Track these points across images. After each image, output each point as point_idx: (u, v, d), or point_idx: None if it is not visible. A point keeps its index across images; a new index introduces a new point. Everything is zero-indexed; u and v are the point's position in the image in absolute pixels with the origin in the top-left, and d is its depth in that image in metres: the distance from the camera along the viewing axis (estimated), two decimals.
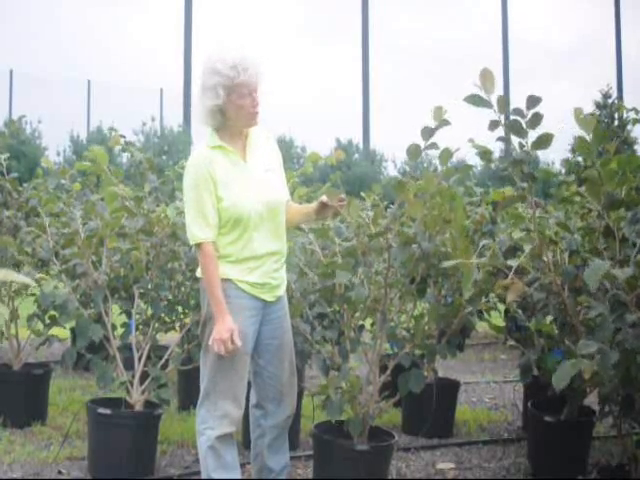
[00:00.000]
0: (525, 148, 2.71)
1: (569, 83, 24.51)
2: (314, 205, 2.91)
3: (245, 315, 2.73)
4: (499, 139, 2.72)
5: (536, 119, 2.64)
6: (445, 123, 2.82)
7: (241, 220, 2.69)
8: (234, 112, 2.70)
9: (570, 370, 2.35)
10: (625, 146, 12.50)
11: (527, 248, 3.10)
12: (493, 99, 2.62)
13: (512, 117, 2.66)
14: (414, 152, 2.88)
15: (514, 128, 2.65)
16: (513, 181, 2.83)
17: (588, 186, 2.88)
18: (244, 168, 2.76)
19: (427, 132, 2.83)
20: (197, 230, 2.67)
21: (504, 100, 2.62)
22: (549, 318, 3.50)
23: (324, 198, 2.85)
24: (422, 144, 2.89)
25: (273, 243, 2.78)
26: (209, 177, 2.67)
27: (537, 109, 2.65)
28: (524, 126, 2.66)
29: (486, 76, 2.56)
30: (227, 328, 2.63)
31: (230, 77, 2.63)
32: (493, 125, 2.64)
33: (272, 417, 2.92)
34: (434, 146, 2.87)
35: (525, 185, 2.74)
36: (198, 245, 2.69)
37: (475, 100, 2.60)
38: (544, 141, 2.73)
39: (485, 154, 2.95)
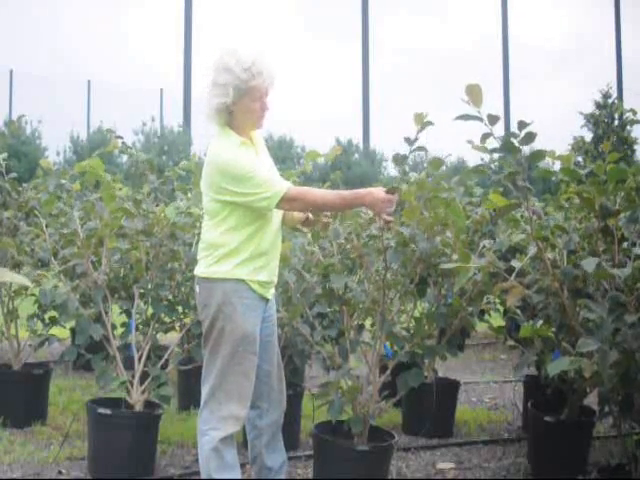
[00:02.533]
0: (519, 159, 2.73)
1: (569, 82, 24.51)
2: (301, 217, 2.95)
3: (254, 316, 2.75)
4: (492, 151, 2.74)
5: (529, 137, 2.68)
6: (427, 125, 2.87)
7: (265, 215, 2.71)
8: (242, 114, 2.71)
9: (567, 363, 2.36)
10: (625, 146, 12.49)
11: (528, 250, 3.11)
12: (483, 112, 2.66)
13: (505, 137, 2.70)
14: (400, 161, 2.93)
15: (507, 147, 2.69)
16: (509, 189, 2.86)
17: (583, 200, 2.92)
18: (262, 165, 2.78)
19: (410, 141, 2.91)
20: (276, 185, 2.64)
21: (494, 117, 2.65)
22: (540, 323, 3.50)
23: (310, 215, 2.92)
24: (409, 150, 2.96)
25: (277, 239, 2.84)
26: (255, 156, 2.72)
27: (529, 129, 2.69)
28: (516, 144, 2.70)
29: (473, 90, 2.59)
30: (377, 189, 2.63)
31: (243, 80, 2.63)
32: (484, 137, 2.68)
33: (266, 415, 2.94)
34: (421, 149, 2.92)
35: (520, 194, 2.76)
36: (286, 197, 2.63)
37: (466, 117, 2.64)
38: (537, 157, 2.79)
39: (480, 170, 3.01)
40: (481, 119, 2.63)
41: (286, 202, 2.65)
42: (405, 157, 2.93)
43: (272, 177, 2.69)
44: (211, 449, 2.74)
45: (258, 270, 2.74)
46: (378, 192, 2.63)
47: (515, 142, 2.69)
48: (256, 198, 2.63)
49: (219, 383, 2.74)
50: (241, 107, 2.69)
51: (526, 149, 2.74)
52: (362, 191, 2.65)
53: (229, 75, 2.63)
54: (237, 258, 2.71)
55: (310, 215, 2.93)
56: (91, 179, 3.56)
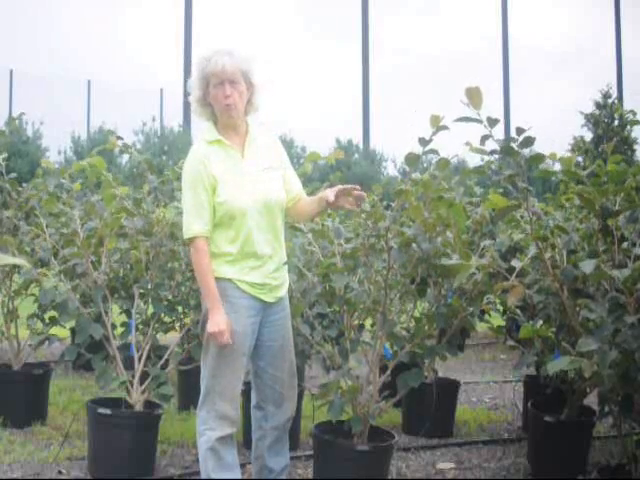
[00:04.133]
0: (518, 161, 2.74)
1: (569, 82, 24.50)
2: (334, 189, 2.73)
3: (244, 315, 2.73)
4: (492, 152, 2.75)
5: (527, 141, 2.70)
6: (442, 129, 2.86)
7: (236, 216, 2.69)
8: (212, 103, 2.76)
9: (566, 363, 2.36)
10: (625, 146, 12.48)
11: (529, 250, 3.11)
12: (483, 113, 2.67)
13: (504, 142, 2.71)
14: (413, 160, 2.92)
15: (506, 151, 2.70)
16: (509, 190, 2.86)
17: (583, 200, 2.93)
18: (241, 164, 2.77)
19: (424, 141, 2.90)
20: (194, 224, 2.68)
21: (494, 120, 2.67)
22: (540, 323, 3.51)
23: (355, 187, 2.72)
24: (420, 150, 2.94)
25: (272, 242, 2.79)
26: (206, 175, 2.68)
27: (528, 133, 2.71)
28: (516, 148, 2.71)
29: (472, 92, 2.61)
30: (224, 320, 2.66)
31: (201, 68, 2.73)
32: (484, 139, 2.69)
33: (272, 419, 2.91)
34: (433, 152, 2.91)
35: (520, 195, 2.77)
36: (191, 240, 2.70)
37: (466, 119, 2.66)
38: (536, 159, 2.80)
39: (480, 171, 3.02)
40: (481, 121, 2.64)
41: (189, 244, 2.74)
42: (418, 157, 2.93)
43: (196, 214, 2.69)
44: (208, 449, 2.75)
45: (248, 270, 2.73)
46: (224, 317, 2.66)
47: (514, 146, 2.70)
48: (183, 218, 2.75)
49: (212, 384, 2.75)
50: (210, 96, 2.75)
51: (526, 151, 2.74)
52: (216, 305, 2.67)
53: (195, 67, 2.77)
54: (223, 258, 2.72)
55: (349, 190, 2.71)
56: (92, 177, 3.57)
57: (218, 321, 2.65)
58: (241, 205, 2.69)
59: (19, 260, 1.18)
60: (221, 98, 2.71)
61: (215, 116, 2.79)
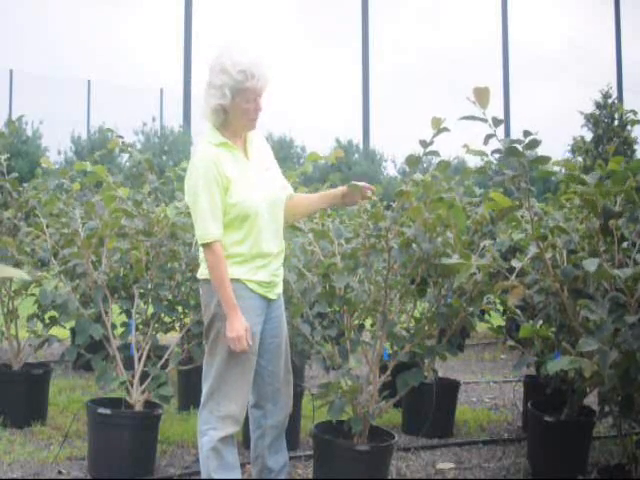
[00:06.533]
0: (522, 162, 2.74)
1: (569, 82, 24.49)
2: (342, 189, 2.92)
3: (253, 315, 2.75)
4: (494, 151, 2.76)
5: (533, 144, 2.71)
6: (443, 130, 2.87)
7: (248, 216, 2.70)
8: (237, 114, 2.72)
9: (567, 363, 2.37)
10: (625, 146, 12.47)
11: (529, 250, 3.11)
12: (488, 114, 2.68)
13: (509, 143, 2.71)
14: (413, 162, 2.93)
15: (511, 152, 2.71)
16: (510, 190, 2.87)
17: (585, 201, 2.93)
18: (247, 165, 2.78)
19: (425, 143, 2.92)
20: (211, 228, 2.65)
21: (498, 120, 2.68)
22: (540, 323, 3.51)
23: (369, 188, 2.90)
24: (421, 152, 2.96)
25: (277, 240, 2.82)
26: (219, 175, 2.67)
27: (533, 136, 2.71)
28: (520, 149, 2.72)
29: (481, 92, 2.62)
30: (243, 325, 2.65)
31: (238, 80, 2.64)
32: (487, 138, 2.69)
33: (271, 416, 2.93)
34: (434, 153, 2.92)
35: (522, 196, 2.77)
36: (208, 245, 2.66)
37: (471, 118, 2.68)
38: (541, 161, 2.80)
39: (480, 171, 3.02)
40: (486, 120, 2.65)
41: (205, 248, 2.68)
42: (419, 159, 2.94)
43: (213, 216, 2.66)
44: (210, 449, 2.75)
45: (256, 270, 2.74)
46: (244, 322, 2.65)
47: (519, 147, 2.70)
48: (196, 226, 2.71)
49: (217, 384, 2.75)
50: (235, 108, 2.70)
51: (529, 152, 2.75)
52: (235, 310, 2.65)
53: (225, 76, 2.65)
54: (232, 259, 2.72)
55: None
56: (92, 181, 3.57)
57: (238, 327, 2.65)
58: (254, 205, 2.70)
59: (19, 273, 1.17)
60: (252, 112, 2.72)
61: (222, 121, 2.74)
